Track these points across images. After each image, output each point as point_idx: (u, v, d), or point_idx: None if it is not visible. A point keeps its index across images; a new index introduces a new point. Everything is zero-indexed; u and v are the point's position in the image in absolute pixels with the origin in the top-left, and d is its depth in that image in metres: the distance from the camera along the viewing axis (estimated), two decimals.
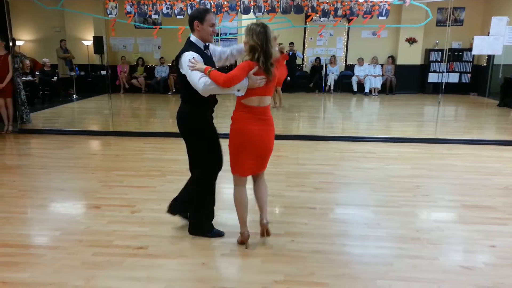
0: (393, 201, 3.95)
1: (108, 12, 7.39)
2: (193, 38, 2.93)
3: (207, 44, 2.99)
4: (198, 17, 2.88)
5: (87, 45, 12.51)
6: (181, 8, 7.64)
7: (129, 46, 12.99)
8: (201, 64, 2.75)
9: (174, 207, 3.32)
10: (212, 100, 3.01)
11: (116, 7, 7.47)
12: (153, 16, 7.90)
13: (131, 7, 7.49)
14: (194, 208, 3.20)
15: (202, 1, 7.55)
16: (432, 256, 2.93)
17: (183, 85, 2.91)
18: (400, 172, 4.89)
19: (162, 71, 12.59)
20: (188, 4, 7.60)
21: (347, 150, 5.94)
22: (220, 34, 7.65)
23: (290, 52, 11.91)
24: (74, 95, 11.28)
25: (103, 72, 11.99)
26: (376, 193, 4.21)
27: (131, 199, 3.96)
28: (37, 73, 10.36)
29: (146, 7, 7.54)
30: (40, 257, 2.89)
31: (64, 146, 6.07)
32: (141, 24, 11.63)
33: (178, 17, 7.71)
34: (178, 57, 2.87)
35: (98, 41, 11.75)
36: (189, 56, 2.77)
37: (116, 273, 2.69)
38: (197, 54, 2.82)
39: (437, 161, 5.37)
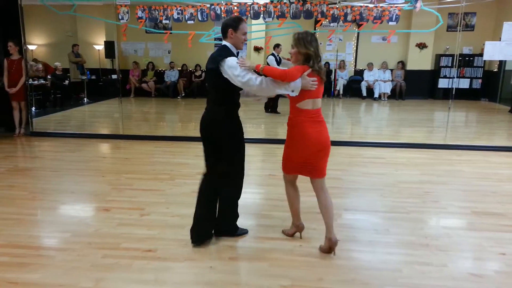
0: (402, 207, 3.93)
1: (120, 17, 7.48)
2: (227, 44, 3.05)
3: (238, 51, 3.12)
4: (233, 25, 3.00)
5: (99, 50, 12.67)
6: (191, 14, 7.71)
7: (139, 51, 13.13)
8: (250, 63, 2.87)
9: (199, 236, 3.21)
10: (239, 104, 3.13)
11: (127, 12, 7.56)
12: (163, 21, 7.98)
13: (142, 12, 7.58)
14: (226, 212, 3.25)
15: (213, 7, 7.61)
16: (441, 263, 2.91)
17: (219, 88, 3.01)
18: (409, 178, 4.86)
19: (172, 76, 12.69)
20: (199, 10, 7.67)
21: (356, 155, 5.92)
22: None
23: None
24: (85, 98, 11.41)
25: (114, 76, 12.12)
26: (385, 198, 4.19)
27: (140, 202, 3.99)
28: (49, 76, 10.52)
29: (157, 12, 7.62)
30: (51, 258, 2.93)
31: (75, 149, 6.14)
32: (152, 29, 11.74)
33: (189, 22, 7.78)
34: (218, 62, 2.92)
35: (109, 46, 11.90)
36: (233, 61, 2.89)
37: (125, 276, 2.72)
38: (238, 56, 2.96)
39: (447, 167, 5.33)
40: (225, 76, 2.92)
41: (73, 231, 3.36)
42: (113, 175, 4.87)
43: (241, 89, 3.02)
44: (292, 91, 2.87)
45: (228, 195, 3.22)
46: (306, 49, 2.87)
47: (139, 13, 7.63)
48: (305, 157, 2.98)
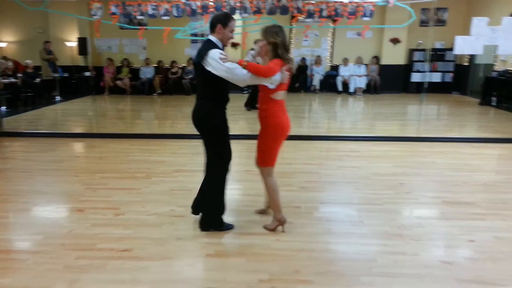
0: (376, 199, 4.01)
1: (93, 13, 7.34)
2: (213, 38, 3.10)
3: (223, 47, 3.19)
4: (223, 21, 3.08)
5: (71, 47, 12.38)
6: (166, 9, 7.62)
7: (114, 47, 12.87)
8: (232, 58, 2.99)
9: (196, 207, 3.41)
10: (227, 98, 3.22)
11: (100, 8, 7.42)
12: (138, 17, 7.86)
13: (116, 8, 7.45)
14: (210, 203, 3.31)
15: (188, 2, 7.54)
16: (414, 251, 2.99)
17: (205, 82, 3.09)
18: (383, 170, 4.95)
19: (147, 72, 12.51)
20: (174, 5, 7.59)
21: (332, 149, 6.00)
22: (207, 35, 7.66)
23: None
24: (58, 97, 11.13)
25: (88, 74, 11.87)
26: (359, 191, 4.26)
27: (115, 201, 3.94)
28: (19, 75, 10.22)
29: (131, 8, 7.50)
30: (23, 262, 2.86)
31: (47, 148, 6.00)
32: (126, 25, 11.54)
33: (164, 18, 7.68)
34: (202, 55, 2.99)
35: (82, 43, 11.60)
36: (217, 53, 2.96)
37: (100, 276, 2.68)
38: (221, 51, 3.02)
39: (419, 159, 5.46)
40: (208, 69, 2.98)
41: (45, 233, 3.29)
42: (87, 174, 4.78)
43: (228, 83, 3.07)
44: (271, 83, 3.04)
45: (212, 182, 3.27)
46: (274, 39, 3.04)
47: (113, 9, 7.50)
48: (281, 143, 3.20)
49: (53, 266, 2.79)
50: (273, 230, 3.31)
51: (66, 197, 4.10)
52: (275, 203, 3.28)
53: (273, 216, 3.34)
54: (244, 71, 2.96)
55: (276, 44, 3.05)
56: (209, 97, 3.14)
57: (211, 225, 3.33)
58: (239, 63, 2.96)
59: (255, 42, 8.63)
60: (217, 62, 2.95)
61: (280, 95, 3.15)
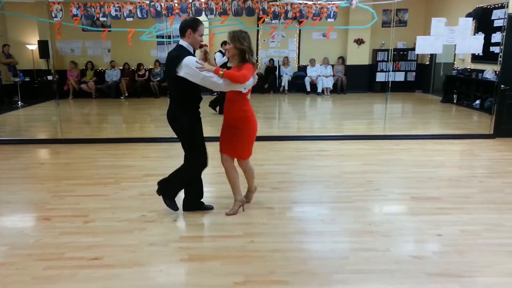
0: (347, 197, 4.09)
1: (53, 15, 7.09)
2: (183, 43, 3.25)
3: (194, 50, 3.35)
4: (192, 26, 3.21)
5: (32, 50, 11.94)
6: (130, 11, 7.47)
7: (77, 50, 12.53)
8: (209, 66, 3.15)
9: (163, 191, 3.65)
10: (200, 98, 3.42)
11: (61, 10, 7.19)
12: (101, 19, 7.67)
13: (77, 9, 7.23)
14: (188, 187, 3.64)
15: (153, 3, 7.43)
16: (385, 247, 3.07)
17: (178, 87, 3.24)
18: (352, 168, 5.06)
19: (113, 75, 12.22)
20: (138, 7, 7.45)
21: (302, 149, 6.07)
22: (172, 36, 7.57)
23: None
24: (19, 102, 10.69)
25: (50, 77, 11.47)
26: (330, 189, 4.33)
27: (84, 208, 3.83)
28: None
29: (93, 9, 7.31)
30: None
31: (10, 156, 5.75)
32: (88, 27, 11.25)
33: (128, 19, 7.53)
34: (175, 60, 3.11)
35: (43, 45, 11.22)
36: (192, 60, 3.10)
37: (70, 287, 2.60)
38: (196, 58, 3.15)
39: (386, 156, 5.61)
40: (181, 75, 3.10)
41: (11, 244, 3.16)
42: (52, 182, 4.63)
43: (198, 86, 3.23)
44: (245, 88, 3.28)
45: (188, 171, 3.55)
46: (241, 45, 3.26)
47: (74, 11, 7.28)
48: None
49: (20, 278, 2.69)
50: (235, 213, 3.64)
51: (31, 206, 3.95)
52: (233, 186, 3.65)
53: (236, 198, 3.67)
54: (221, 80, 3.12)
55: (243, 50, 3.26)
56: (182, 99, 3.30)
57: (193, 207, 3.69)
58: (216, 72, 3.11)
59: (222, 44, 8.64)
60: (193, 70, 3.07)
61: (248, 95, 3.44)
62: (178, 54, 3.17)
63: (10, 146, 6.31)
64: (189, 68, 3.07)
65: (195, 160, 3.50)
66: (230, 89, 3.29)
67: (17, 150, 6.08)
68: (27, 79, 11.56)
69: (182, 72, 3.10)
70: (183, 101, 3.32)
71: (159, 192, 3.65)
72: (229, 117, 3.49)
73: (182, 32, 3.23)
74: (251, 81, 3.30)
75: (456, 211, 3.74)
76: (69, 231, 3.37)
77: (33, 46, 11.84)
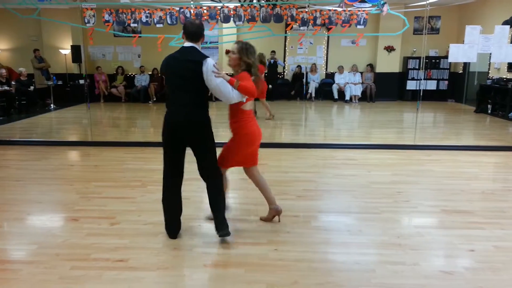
0: (374, 207, 3.98)
1: (86, 20, 7.30)
2: (197, 47, 3.14)
3: None
4: (204, 31, 3.17)
5: (65, 54, 12.34)
6: (160, 17, 7.61)
7: (108, 55, 12.86)
8: (224, 74, 3.03)
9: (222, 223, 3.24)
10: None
11: (94, 16, 7.39)
12: (132, 25, 7.84)
13: (109, 15, 7.42)
14: (223, 207, 3.32)
15: (182, 10, 7.54)
16: (413, 261, 2.95)
17: (199, 88, 3.08)
18: (380, 178, 4.93)
19: (142, 80, 12.48)
20: (168, 13, 7.58)
21: (328, 157, 5.98)
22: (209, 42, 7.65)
23: (272, 60, 12.02)
24: (52, 105, 11.05)
25: (82, 81, 11.81)
26: (357, 199, 4.23)
27: (111, 210, 3.88)
28: (13, 82, 10.15)
29: (124, 15, 7.48)
30: (16, 272, 2.80)
31: (42, 157, 5.93)
32: (120, 32, 11.53)
33: (158, 25, 7.67)
34: (200, 62, 3.00)
35: (76, 50, 11.59)
36: (212, 63, 3.00)
37: (95, 287, 2.62)
38: (215, 63, 3.05)
39: (417, 167, 5.45)
40: (207, 74, 2.98)
41: (40, 243, 3.23)
42: (81, 183, 4.72)
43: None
44: (243, 97, 3.18)
45: (219, 187, 3.34)
46: (248, 59, 3.23)
47: (106, 17, 7.47)
48: (246, 152, 3.40)
49: (47, 277, 2.73)
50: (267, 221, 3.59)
51: (60, 206, 4.04)
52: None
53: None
54: (235, 92, 3.04)
55: (250, 64, 3.24)
56: (203, 103, 3.16)
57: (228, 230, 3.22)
58: (230, 82, 3.03)
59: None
60: (211, 74, 2.97)
61: (248, 105, 3.31)
62: (198, 55, 3.05)
63: (41, 147, 6.50)
64: (208, 70, 2.98)
65: (220, 173, 3.34)
66: (236, 101, 3.14)
67: (48, 151, 6.26)
68: (59, 82, 11.95)
69: (207, 75, 2.99)
70: (204, 105, 3.18)
71: (222, 227, 3.20)
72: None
73: (198, 36, 3.12)
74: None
75: (490, 225, 3.58)
76: (96, 232, 3.41)
77: (66, 51, 12.24)
